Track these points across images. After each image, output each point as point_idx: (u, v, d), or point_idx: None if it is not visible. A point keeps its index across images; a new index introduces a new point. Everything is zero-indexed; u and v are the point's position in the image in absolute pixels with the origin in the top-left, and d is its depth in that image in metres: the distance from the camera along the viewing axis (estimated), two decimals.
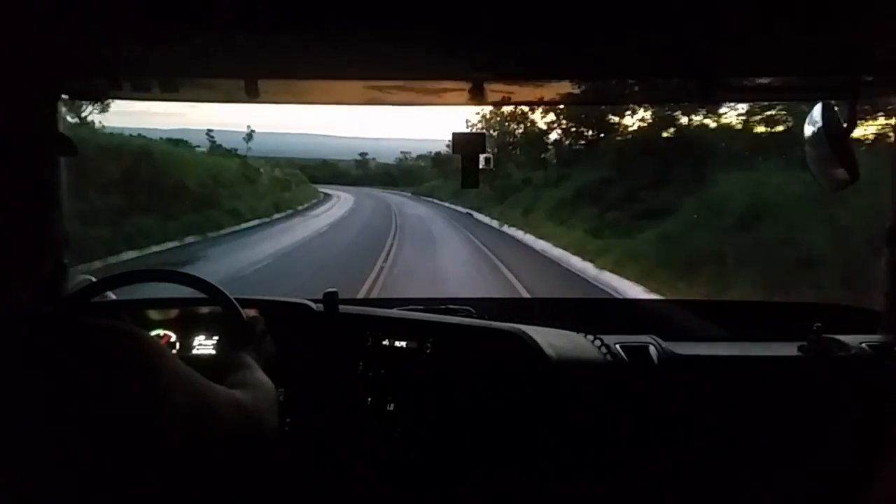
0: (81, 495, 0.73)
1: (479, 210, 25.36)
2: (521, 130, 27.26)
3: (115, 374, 0.76)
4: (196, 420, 0.84)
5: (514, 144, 28.56)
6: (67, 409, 0.72)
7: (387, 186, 56.46)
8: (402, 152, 69.24)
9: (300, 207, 28.46)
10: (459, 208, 28.26)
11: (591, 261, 12.63)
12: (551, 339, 1.70)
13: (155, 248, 13.69)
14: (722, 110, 16.05)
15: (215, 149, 28.07)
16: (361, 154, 71.64)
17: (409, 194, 45.96)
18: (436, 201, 35.75)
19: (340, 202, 34.85)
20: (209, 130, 27.78)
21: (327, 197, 38.31)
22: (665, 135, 17.72)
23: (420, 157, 64.40)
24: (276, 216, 23.42)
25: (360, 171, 67.21)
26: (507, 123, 27.34)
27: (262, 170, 28.76)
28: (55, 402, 0.72)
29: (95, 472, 0.73)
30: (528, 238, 17.61)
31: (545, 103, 1.79)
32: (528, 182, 24.38)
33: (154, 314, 1.68)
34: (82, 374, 0.74)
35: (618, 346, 1.73)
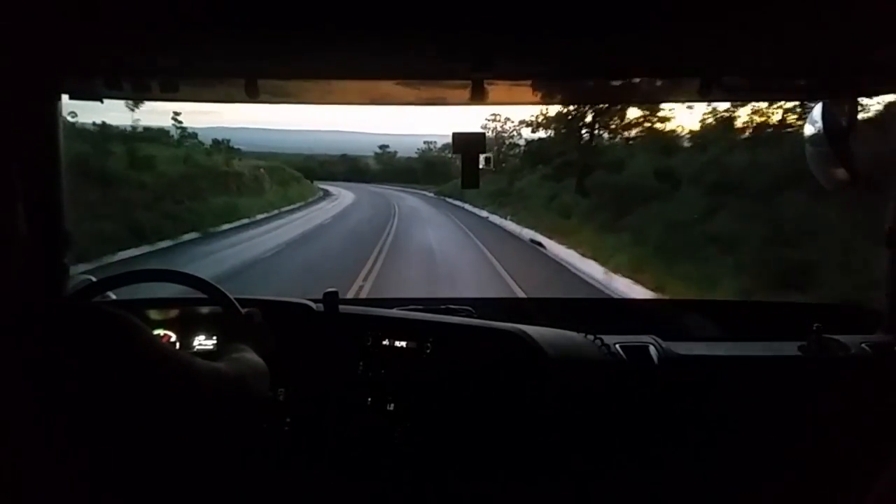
0: (68, 473, 0.74)
1: (558, 238, 12.81)
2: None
3: (95, 351, 0.77)
4: (178, 393, 0.85)
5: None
6: (49, 388, 0.73)
7: (408, 184, 46.69)
8: (425, 142, 58.92)
9: (215, 229, 15.90)
10: (512, 227, 16.26)
11: None
12: (551, 338, 1.69)
13: None
14: None
15: (183, 140, 22.54)
16: (382, 147, 62.86)
17: (432, 195, 35.11)
18: (468, 207, 23.49)
19: (308, 217, 21.82)
20: (175, 114, 22.19)
21: (310, 204, 27.43)
22: None
23: (446, 146, 52.13)
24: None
25: (380, 165, 59.92)
26: None
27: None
28: (37, 381, 0.73)
29: (81, 448, 0.74)
30: None
31: (545, 103, 1.79)
32: (674, 180, 11.91)
33: (154, 314, 1.68)
34: (62, 353, 0.75)
35: (618, 345, 1.73)
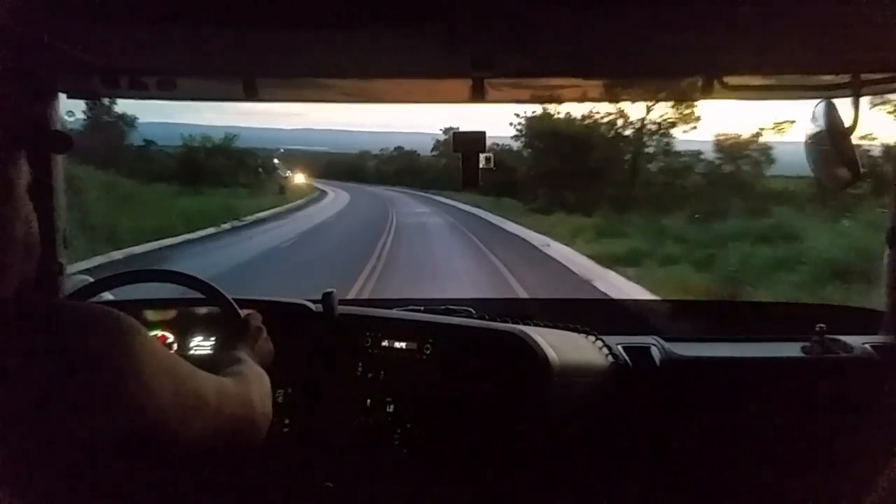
0: (63, 477, 0.72)
1: None
2: None
3: (90, 351, 0.74)
4: (180, 405, 0.82)
5: None
6: (44, 388, 0.71)
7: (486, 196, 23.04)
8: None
9: None
10: None
11: None
12: (552, 339, 1.68)
13: None
14: None
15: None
16: (445, 130, 37.09)
17: (546, 243, 13.93)
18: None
19: None
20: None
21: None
22: None
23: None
24: None
25: (444, 159, 39.34)
26: None
27: None
28: (31, 381, 0.71)
29: (76, 453, 0.72)
30: None
31: (546, 101, 1.79)
32: None
33: (151, 314, 1.67)
34: (57, 353, 0.73)
35: (619, 346, 1.73)
